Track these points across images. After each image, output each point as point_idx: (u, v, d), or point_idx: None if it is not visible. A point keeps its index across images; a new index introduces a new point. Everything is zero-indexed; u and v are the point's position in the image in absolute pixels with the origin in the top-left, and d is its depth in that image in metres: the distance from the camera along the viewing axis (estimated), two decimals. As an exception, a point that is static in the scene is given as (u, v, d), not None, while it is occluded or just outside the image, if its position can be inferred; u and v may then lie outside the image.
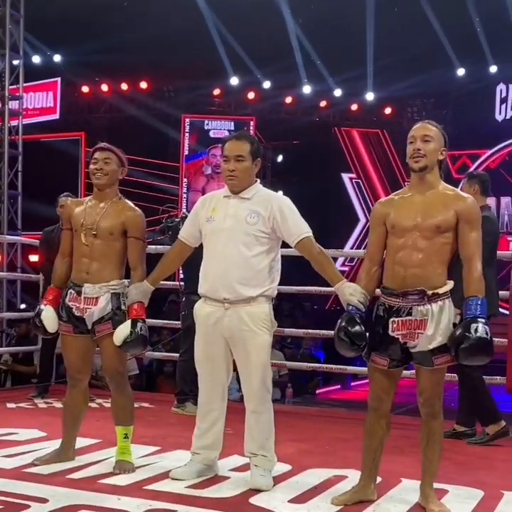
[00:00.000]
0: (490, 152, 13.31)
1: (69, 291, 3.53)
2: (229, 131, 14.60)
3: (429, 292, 2.88)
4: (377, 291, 3.08)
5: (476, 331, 2.76)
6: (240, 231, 3.17)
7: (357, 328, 2.90)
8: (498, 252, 4.73)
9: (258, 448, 3.24)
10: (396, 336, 2.93)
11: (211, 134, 14.68)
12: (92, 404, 5.38)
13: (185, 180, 14.55)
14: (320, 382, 8.44)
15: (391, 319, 2.94)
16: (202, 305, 3.30)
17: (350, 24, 12.22)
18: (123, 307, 3.43)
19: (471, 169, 13.21)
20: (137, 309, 3.37)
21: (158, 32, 12.25)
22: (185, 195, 14.49)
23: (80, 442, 3.85)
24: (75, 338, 3.55)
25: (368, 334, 2.99)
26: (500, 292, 5.37)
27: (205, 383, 3.32)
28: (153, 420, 4.89)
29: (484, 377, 5.15)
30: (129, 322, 3.36)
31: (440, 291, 2.89)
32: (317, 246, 3.22)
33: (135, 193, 14.54)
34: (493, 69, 13.56)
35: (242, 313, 3.18)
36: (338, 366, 6.08)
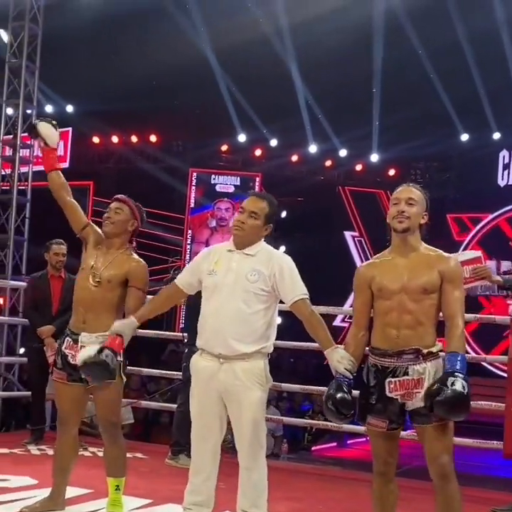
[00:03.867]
0: (491, 216, 13.44)
1: (66, 339, 3.58)
2: (235, 186, 14.79)
3: (425, 351, 2.89)
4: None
5: (452, 384, 2.72)
6: (240, 287, 3.17)
7: (342, 395, 2.87)
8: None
9: (250, 505, 3.19)
10: (394, 397, 2.90)
11: (217, 188, 14.86)
12: (85, 453, 5.36)
13: (189, 231, 14.68)
14: (327, 438, 8.32)
15: (387, 380, 2.91)
16: (198, 358, 3.29)
17: (356, 86, 12.50)
18: (119, 358, 3.32)
19: (473, 232, 13.34)
20: (112, 339, 3.23)
21: (169, 87, 12.54)
22: (189, 247, 14.61)
23: (71, 491, 3.83)
24: (69, 387, 3.57)
25: (359, 398, 2.97)
26: (499, 356, 5.38)
27: (198, 438, 3.26)
28: (146, 471, 4.85)
29: (480, 441, 5.13)
30: (96, 347, 3.27)
31: (433, 349, 2.91)
32: (311, 309, 3.22)
33: (139, 242, 14.65)
34: (497, 135, 13.79)
35: (237, 369, 3.16)
36: (334, 424, 6.02)
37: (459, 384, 2.72)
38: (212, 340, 3.20)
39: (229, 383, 3.17)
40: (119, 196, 3.73)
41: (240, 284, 3.18)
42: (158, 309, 3.45)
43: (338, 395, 2.87)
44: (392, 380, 2.90)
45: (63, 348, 3.56)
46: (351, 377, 2.95)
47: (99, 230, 3.67)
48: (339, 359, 2.98)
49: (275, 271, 3.21)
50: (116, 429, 3.57)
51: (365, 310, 3.06)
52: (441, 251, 3.05)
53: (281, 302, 3.30)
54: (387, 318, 2.94)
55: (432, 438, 2.88)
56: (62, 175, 3.77)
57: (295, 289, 3.22)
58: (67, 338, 3.56)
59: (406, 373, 2.88)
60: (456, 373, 2.76)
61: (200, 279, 3.31)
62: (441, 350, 2.93)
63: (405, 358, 2.89)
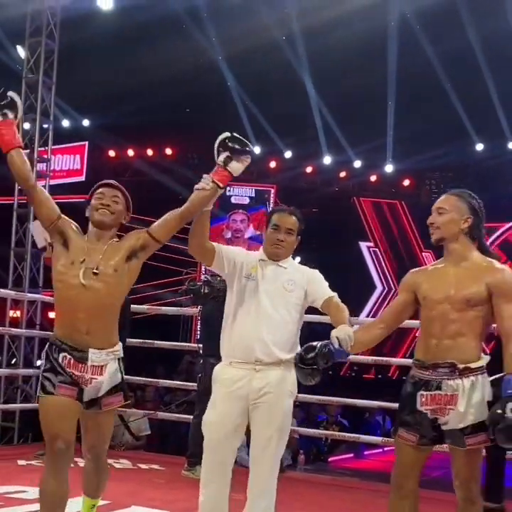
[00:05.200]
0: (507, 226, 13.39)
1: (62, 355, 2.90)
2: (250, 198, 14.84)
3: (461, 366, 2.76)
4: (406, 361, 3.03)
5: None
6: (279, 296, 3.20)
7: (310, 351, 2.81)
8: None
9: None
10: (425, 411, 2.81)
11: (232, 200, 14.90)
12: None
13: (204, 243, 14.72)
14: (344, 448, 8.28)
15: (419, 393, 2.82)
16: (225, 367, 3.21)
17: (370, 97, 12.52)
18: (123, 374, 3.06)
19: (489, 241, 13.27)
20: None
21: (183, 100, 12.65)
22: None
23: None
24: (76, 405, 2.96)
25: (397, 411, 2.92)
26: None
27: (214, 448, 3.22)
28: (163, 483, 4.85)
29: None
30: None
31: (472, 365, 2.77)
32: (342, 304, 3.20)
33: (157, 255, 14.71)
34: (512, 145, 13.77)
35: (271, 376, 3.13)
36: (352, 435, 6.02)
37: None
38: (251, 346, 3.13)
39: (263, 390, 3.13)
40: (111, 182, 3.18)
41: (279, 292, 3.20)
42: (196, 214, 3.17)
43: (305, 350, 2.84)
44: (424, 393, 2.81)
45: (60, 361, 2.90)
46: (335, 345, 2.81)
47: (72, 221, 3.16)
48: (339, 329, 2.89)
49: (308, 278, 3.27)
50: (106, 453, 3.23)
51: (396, 310, 3.01)
52: (494, 261, 2.89)
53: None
54: (429, 328, 2.86)
55: (463, 462, 2.79)
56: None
57: (327, 290, 3.26)
58: (64, 353, 2.89)
59: (438, 388, 2.79)
60: None
61: (229, 266, 3.25)
62: (482, 367, 2.79)
63: (440, 371, 2.79)
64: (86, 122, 14.94)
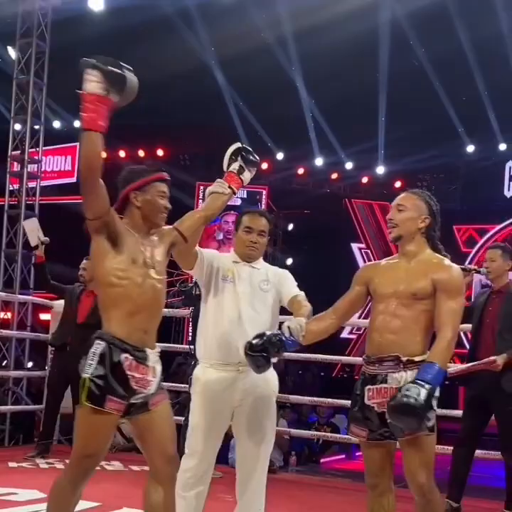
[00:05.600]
0: (498, 227, 13.43)
1: (124, 356, 2.64)
2: (242, 199, 14.83)
3: (404, 359, 2.76)
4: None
5: (407, 390, 2.58)
6: (256, 296, 3.23)
7: (260, 339, 2.80)
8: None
9: None
10: (372, 405, 2.81)
11: (224, 201, 14.90)
12: (94, 466, 5.35)
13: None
14: (336, 449, 8.28)
15: (367, 387, 2.84)
16: (208, 370, 3.20)
17: (362, 99, 12.55)
18: None
19: (480, 243, 13.32)
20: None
21: (174, 101, 12.64)
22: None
23: (81, 505, 3.82)
24: (117, 421, 2.72)
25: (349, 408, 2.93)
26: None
27: (201, 453, 3.19)
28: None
29: (488, 452, 5.09)
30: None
31: (416, 358, 2.76)
32: (306, 302, 3.20)
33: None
34: (503, 147, 13.80)
35: (256, 377, 3.11)
36: (343, 436, 6.02)
37: (413, 391, 2.58)
38: (232, 348, 3.14)
39: (249, 392, 3.16)
40: (165, 176, 3.06)
41: (256, 294, 3.24)
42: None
43: (254, 338, 2.83)
44: (371, 387, 2.82)
45: (127, 369, 2.64)
46: (286, 335, 2.81)
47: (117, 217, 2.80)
48: (291, 319, 2.92)
49: (279, 278, 3.32)
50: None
51: (348, 301, 3.00)
52: (445, 259, 2.93)
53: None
54: (376, 323, 2.88)
55: (406, 453, 2.76)
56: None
57: (294, 288, 3.29)
58: (126, 354, 2.64)
59: (384, 381, 2.79)
60: (420, 382, 2.61)
61: (208, 269, 3.27)
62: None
63: (385, 365, 2.79)
64: (77, 123, 14.88)
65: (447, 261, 2.91)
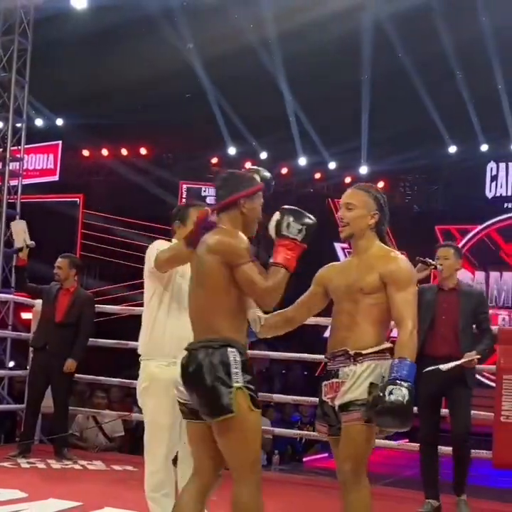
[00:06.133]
0: (479, 228, 13.53)
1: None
2: (224, 198, 14.83)
3: (352, 352, 2.76)
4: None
5: (390, 393, 2.58)
6: None
7: None
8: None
9: None
10: (326, 400, 2.85)
11: (208, 200, 14.85)
12: (75, 466, 5.35)
13: (179, 244, 14.66)
14: (319, 448, 8.30)
15: (323, 383, 2.88)
16: (164, 368, 3.18)
17: (345, 99, 12.58)
18: None
19: (461, 244, 13.43)
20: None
21: (158, 100, 12.60)
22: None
23: (61, 504, 3.82)
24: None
25: None
26: (487, 366, 5.42)
27: (171, 451, 3.25)
28: (137, 484, 4.82)
29: (471, 450, 5.14)
30: None
31: (364, 351, 2.76)
32: None
33: (132, 255, 14.68)
34: (484, 147, 13.90)
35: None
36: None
37: (397, 392, 2.58)
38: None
39: None
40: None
41: None
42: None
43: None
44: (326, 382, 2.86)
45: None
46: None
47: None
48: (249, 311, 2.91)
49: None
50: None
51: (306, 301, 3.03)
52: (392, 252, 2.91)
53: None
54: (332, 321, 2.92)
55: (340, 442, 2.77)
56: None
57: None
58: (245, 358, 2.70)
59: (336, 376, 2.81)
60: (399, 381, 2.61)
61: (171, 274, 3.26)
62: (379, 352, 2.77)
63: (337, 360, 2.81)
64: (59, 121, 14.82)
65: (394, 253, 2.91)
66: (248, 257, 2.65)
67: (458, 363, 4.40)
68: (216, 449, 2.65)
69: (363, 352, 2.75)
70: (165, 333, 3.23)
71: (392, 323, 2.90)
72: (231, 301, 2.65)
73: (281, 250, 2.71)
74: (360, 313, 2.81)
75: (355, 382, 2.73)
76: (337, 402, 2.76)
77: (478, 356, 4.39)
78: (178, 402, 2.75)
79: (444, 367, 4.33)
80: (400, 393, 2.58)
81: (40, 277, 6.11)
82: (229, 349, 2.60)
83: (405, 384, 2.61)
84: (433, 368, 4.33)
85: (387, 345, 2.79)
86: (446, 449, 5.15)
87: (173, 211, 3.46)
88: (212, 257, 2.66)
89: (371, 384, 2.71)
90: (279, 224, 2.73)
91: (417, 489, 4.91)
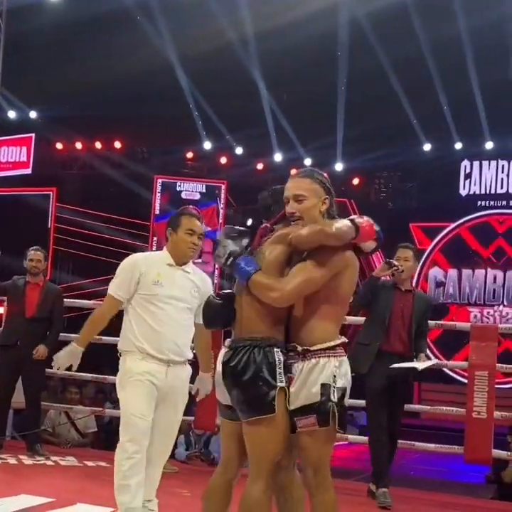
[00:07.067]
0: (453, 225, 13.63)
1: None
2: (201, 193, 14.78)
3: (300, 349, 2.64)
4: None
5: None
6: (186, 301, 3.44)
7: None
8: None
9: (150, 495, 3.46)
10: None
11: (183, 195, 14.82)
12: (48, 462, 5.30)
13: (154, 238, 14.62)
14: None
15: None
16: (141, 362, 3.38)
17: (321, 97, 12.63)
18: None
19: (435, 241, 13.54)
20: None
21: (133, 94, 12.53)
22: (153, 254, 14.52)
23: (34, 500, 3.78)
24: None
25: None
26: (459, 362, 5.48)
27: (143, 438, 3.36)
28: (109, 480, 4.79)
29: (442, 446, 5.21)
30: None
31: (312, 347, 2.63)
32: None
33: (106, 249, 14.59)
34: (458, 146, 14.04)
35: (180, 372, 3.45)
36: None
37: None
38: (166, 346, 3.37)
39: (174, 385, 3.42)
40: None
41: (186, 298, 3.45)
42: (101, 328, 3.61)
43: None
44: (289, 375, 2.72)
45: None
46: None
47: None
48: None
49: (207, 287, 3.54)
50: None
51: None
52: None
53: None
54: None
55: (300, 446, 2.66)
56: None
57: None
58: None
59: (290, 371, 2.66)
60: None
61: (137, 285, 3.43)
62: (327, 349, 2.64)
63: (289, 355, 2.67)
64: (33, 114, 14.66)
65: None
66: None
67: (432, 363, 4.53)
68: (244, 445, 2.68)
69: (311, 349, 2.63)
70: (139, 330, 3.40)
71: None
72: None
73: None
74: (308, 307, 2.68)
75: (303, 384, 2.61)
76: (291, 406, 2.62)
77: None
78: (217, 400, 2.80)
79: (420, 366, 4.41)
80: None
81: (8, 270, 6.00)
82: (274, 349, 2.63)
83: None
84: (408, 366, 4.42)
85: (339, 341, 2.68)
86: (419, 445, 5.21)
87: (169, 220, 3.62)
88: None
89: (323, 385, 2.60)
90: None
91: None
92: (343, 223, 2.64)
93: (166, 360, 3.36)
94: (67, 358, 3.40)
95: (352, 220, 2.66)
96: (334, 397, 2.58)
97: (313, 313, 2.67)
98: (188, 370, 3.52)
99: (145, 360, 3.35)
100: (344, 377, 2.64)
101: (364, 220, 2.69)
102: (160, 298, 3.38)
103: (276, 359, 2.61)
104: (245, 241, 2.75)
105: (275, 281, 2.64)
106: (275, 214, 2.86)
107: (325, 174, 2.86)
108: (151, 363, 3.35)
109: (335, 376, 2.61)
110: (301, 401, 2.60)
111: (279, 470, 2.71)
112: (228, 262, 2.70)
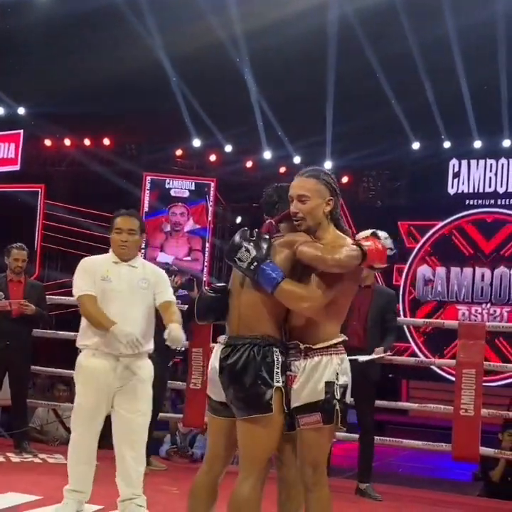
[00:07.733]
0: (441, 224, 13.68)
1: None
2: (190, 191, 14.76)
3: (302, 346, 2.66)
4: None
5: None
6: (136, 293, 3.60)
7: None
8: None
9: (133, 493, 3.61)
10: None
11: (172, 192, 14.80)
12: (35, 459, 5.29)
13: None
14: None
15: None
16: (90, 359, 3.56)
17: (310, 94, 12.63)
18: None
19: (423, 239, 13.58)
20: None
21: (123, 91, 12.48)
22: (143, 251, 14.50)
23: (21, 498, 3.78)
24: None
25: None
26: (447, 360, 5.51)
27: (89, 431, 3.57)
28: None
29: (430, 443, 5.24)
30: None
31: (315, 346, 2.65)
32: (177, 310, 3.63)
33: (95, 246, 14.55)
34: (447, 144, 14.08)
35: (133, 365, 3.56)
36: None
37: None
38: (113, 340, 3.45)
39: (127, 378, 3.54)
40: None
41: (135, 291, 3.58)
42: None
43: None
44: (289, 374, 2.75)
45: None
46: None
47: None
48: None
49: (156, 278, 3.70)
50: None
51: None
52: (340, 239, 2.72)
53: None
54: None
55: (299, 444, 2.69)
56: None
57: (169, 294, 3.71)
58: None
59: (290, 369, 2.69)
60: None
61: (93, 282, 3.61)
62: (329, 347, 2.66)
63: (290, 352, 2.70)
64: (21, 110, 14.58)
65: (348, 240, 2.74)
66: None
67: (375, 356, 4.59)
68: (233, 442, 2.69)
69: (314, 347, 2.66)
70: (90, 327, 3.57)
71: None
72: (279, 302, 2.66)
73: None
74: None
75: (306, 382, 2.63)
76: (295, 403, 2.64)
77: (386, 353, 4.72)
78: (208, 397, 2.81)
79: (362, 358, 4.47)
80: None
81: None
82: (274, 348, 2.65)
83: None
84: (350, 358, 4.45)
85: (340, 339, 2.71)
86: (408, 442, 5.24)
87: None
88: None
89: (327, 383, 2.62)
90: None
91: (377, 482, 4.97)
92: (348, 250, 2.62)
93: (116, 354, 3.48)
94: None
95: (359, 245, 2.64)
96: (337, 394, 2.62)
97: (319, 313, 2.68)
98: (145, 362, 3.61)
99: (95, 356, 3.51)
100: (345, 374, 2.68)
101: (371, 243, 2.67)
102: (109, 293, 3.54)
103: (275, 359, 2.63)
104: (265, 246, 2.69)
105: (304, 290, 2.64)
106: (280, 211, 2.86)
107: (332, 175, 2.83)
108: (100, 358, 3.50)
109: (337, 374, 2.64)
110: (304, 399, 2.62)
111: (281, 466, 2.78)
112: (252, 267, 2.65)
